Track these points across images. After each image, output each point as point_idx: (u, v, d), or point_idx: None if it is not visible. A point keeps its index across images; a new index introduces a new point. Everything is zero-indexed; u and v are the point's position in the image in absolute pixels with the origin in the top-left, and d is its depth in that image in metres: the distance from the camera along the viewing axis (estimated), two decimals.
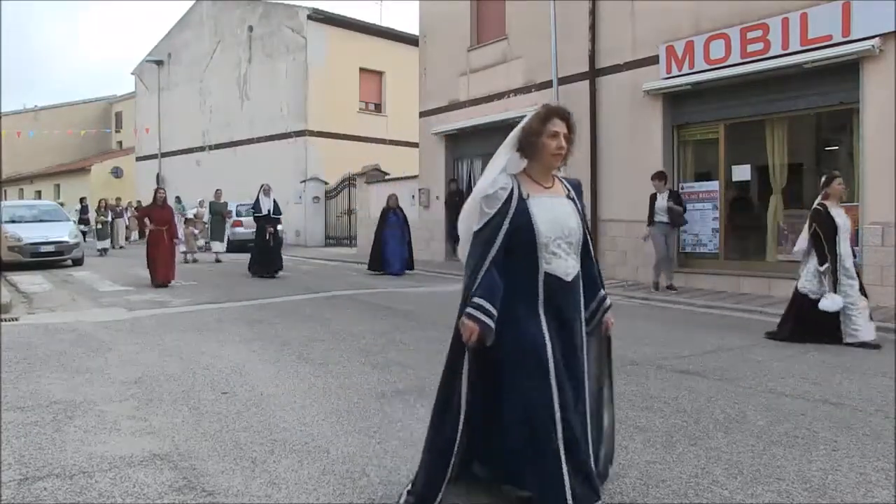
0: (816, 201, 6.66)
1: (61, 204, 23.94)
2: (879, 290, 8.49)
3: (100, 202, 21.22)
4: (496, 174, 2.72)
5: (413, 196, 16.75)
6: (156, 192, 12.02)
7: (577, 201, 2.82)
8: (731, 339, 6.62)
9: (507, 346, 2.59)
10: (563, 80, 12.62)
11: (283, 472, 3.23)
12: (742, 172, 10.38)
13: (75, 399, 4.45)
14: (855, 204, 8.92)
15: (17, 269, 13.84)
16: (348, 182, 21.48)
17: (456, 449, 2.65)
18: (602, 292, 2.89)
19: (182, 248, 16.21)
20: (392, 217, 13.25)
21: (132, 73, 31.90)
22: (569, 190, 2.84)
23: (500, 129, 14.11)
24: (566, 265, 2.67)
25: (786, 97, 9.63)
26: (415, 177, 16.97)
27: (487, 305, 2.53)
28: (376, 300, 9.44)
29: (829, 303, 6.30)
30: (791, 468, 3.31)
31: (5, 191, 37.12)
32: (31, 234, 14.76)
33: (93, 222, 22.73)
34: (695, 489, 3.05)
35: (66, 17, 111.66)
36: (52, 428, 3.87)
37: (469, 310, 2.54)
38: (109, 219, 20.65)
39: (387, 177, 18.83)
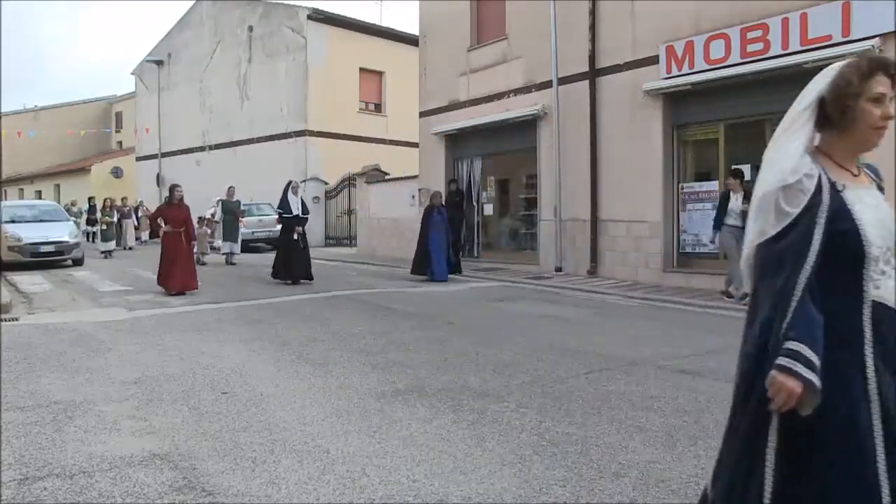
0: None
1: (72, 203, 23.54)
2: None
3: (104, 201, 20.20)
4: (797, 158, 1.87)
5: (413, 196, 16.76)
6: (172, 189, 10.69)
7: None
8: (731, 339, 6.60)
9: (822, 412, 1.69)
10: (563, 80, 12.62)
11: (283, 472, 3.23)
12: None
13: (75, 399, 4.45)
14: None
15: (17, 269, 13.84)
16: (348, 182, 21.48)
17: None
18: None
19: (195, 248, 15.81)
20: (436, 216, 12.08)
21: (132, 73, 31.92)
22: (876, 179, 2.07)
23: (500, 129, 14.20)
24: None
25: (786, 97, 9.54)
26: (415, 177, 16.97)
27: (809, 354, 1.66)
28: (376, 300, 9.44)
29: None
30: None
31: (5, 191, 37.11)
32: (31, 234, 14.76)
33: (79, 224, 22.29)
34: (695, 489, 3.05)
35: (66, 17, 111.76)
36: (52, 428, 3.87)
37: (784, 361, 1.67)
38: (115, 219, 19.73)
39: (387, 177, 18.85)
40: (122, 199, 23.67)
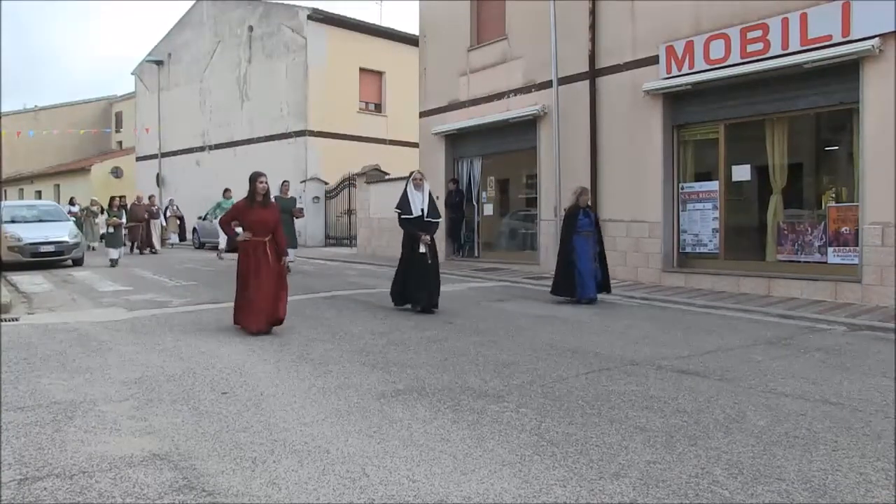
0: None
1: (92, 203, 22.63)
2: (879, 290, 8.50)
3: (112, 200, 17.34)
4: None
5: None
6: (254, 179, 7.11)
7: None
8: (731, 339, 6.62)
9: None
10: (563, 80, 12.62)
11: (283, 472, 3.23)
12: (742, 172, 10.39)
13: (75, 399, 4.45)
14: (855, 204, 8.94)
15: (17, 269, 13.84)
16: (348, 182, 21.49)
17: None
18: None
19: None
20: (583, 219, 9.28)
21: (132, 73, 31.92)
22: None
23: (500, 129, 14.20)
24: None
25: (786, 97, 9.63)
26: None
27: None
28: (376, 300, 9.44)
29: None
30: (791, 468, 3.31)
31: (5, 191, 37.11)
32: (31, 234, 14.77)
33: (102, 225, 21.02)
34: (695, 489, 3.05)
35: (66, 17, 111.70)
36: (52, 428, 3.87)
37: None
38: (123, 220, 17.09)
39: (387, 177, 18.86)
40: (150, 198, 21.67)
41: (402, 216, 8.46)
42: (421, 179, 8.55)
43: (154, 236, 20.38)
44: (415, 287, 8.30)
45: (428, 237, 8.36)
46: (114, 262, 15.29)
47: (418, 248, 8.27)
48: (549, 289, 9.52)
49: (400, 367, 5.36)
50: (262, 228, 7.00)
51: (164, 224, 21.99)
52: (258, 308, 6.76)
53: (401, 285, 8.53)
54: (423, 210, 8.39)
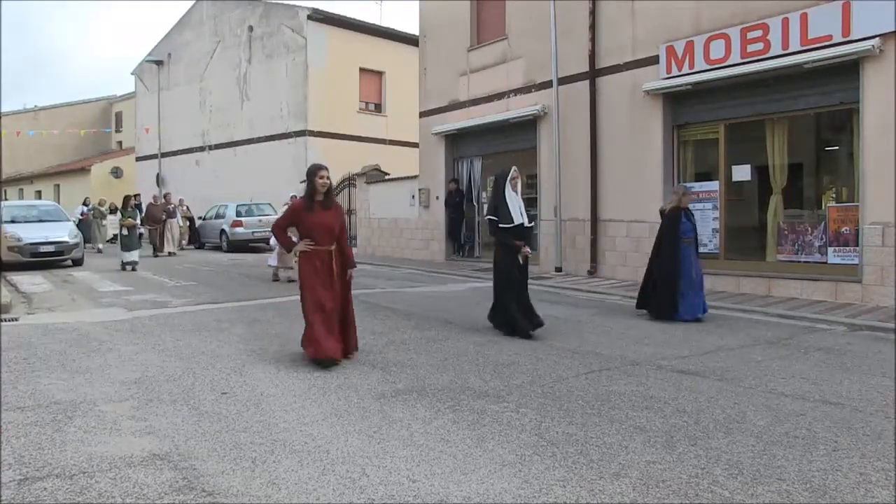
0: None
1: (100, 203, 22.28)
2: (879, 290, 8.50)
3: (126, 199, 15.50)
4: None
5: (413, 196, 16.77)
6: (314, 174, 5.65)
7: None
8: (730, 339, 6.62)
9: None
10: (563, 80, 12.62)
11: (283, 472, 3.23)
12: (742, 172, 10.38)
13: (75, 399, 4.45)
14: (855, 204, 8.93)
15: (17, 269, 13.84)
16: (348, 182, 21.48)
17: None
18: None
19: (272, 261, 11.95)
20: (685, 223, 8.05)
21: (132, 73, 31.92)
22: None
23: (500, 129, 14.20)
24: None
25: (786, 97, 9.63)
26: (415, 177, 16.98)
27: None
28: (376, 300, 9.44)
29: None
30: (791, 468, 3.31)
31: (5, 191, 37.10)
32: (31, 234, 14.78)
33: (110, 226, 19.81)
34: (695, 489, 3.05)
35: (66, 17, 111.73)
36: (52, 428, 3.87)
37: None
38: (138, 221, 15.54)
39: (387, 177, 18.86)
40: (166, 196, 21.12)
41: (501, 224, 6.92)
42: (517, 178, 7.07)
43: (174, 237, 19.49)
44: (521, 305, 6.90)
45: (528, 248, 7.03)
46: (133, 266, 14.00)
47: (517, 261, 6.95)
48: (636, 303, 8.27)
49: (400, 367, 5.36)
50: (326, 234, 5.63)
51: (181, 224, 20.96)
52: (327, 331, 5.50)
53: (504, 308, 6.95)
54: (522, 215, 7.01)
